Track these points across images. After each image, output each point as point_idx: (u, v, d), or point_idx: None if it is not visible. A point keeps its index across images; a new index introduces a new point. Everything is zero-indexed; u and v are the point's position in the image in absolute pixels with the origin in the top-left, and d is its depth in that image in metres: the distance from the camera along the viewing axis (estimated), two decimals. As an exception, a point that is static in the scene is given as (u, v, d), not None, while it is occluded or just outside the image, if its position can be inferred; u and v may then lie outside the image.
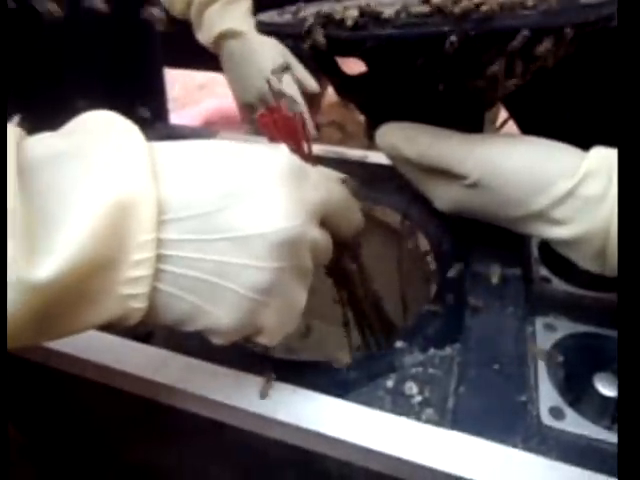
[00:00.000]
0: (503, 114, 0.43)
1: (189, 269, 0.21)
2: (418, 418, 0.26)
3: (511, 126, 0.42)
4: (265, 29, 0.30)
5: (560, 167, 0.27)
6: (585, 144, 0.29)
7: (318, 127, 1.07)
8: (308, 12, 0.27)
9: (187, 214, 0.21)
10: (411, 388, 0.28)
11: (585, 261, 0.29)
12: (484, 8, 0.22)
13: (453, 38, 0.23)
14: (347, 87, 0.33)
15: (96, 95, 0.49)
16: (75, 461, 0.43)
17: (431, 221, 0.40)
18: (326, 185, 0.25)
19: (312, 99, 1.07)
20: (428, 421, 0.26)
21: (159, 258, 0.20)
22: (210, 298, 0.21)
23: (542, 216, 0.28)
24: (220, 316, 0.22)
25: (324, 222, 0.25)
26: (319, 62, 0.33)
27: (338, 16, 0.25)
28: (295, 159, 0.24)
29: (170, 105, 0.73)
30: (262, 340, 0.24)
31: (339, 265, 0.32)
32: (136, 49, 0.55)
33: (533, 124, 0.33)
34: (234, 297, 0.22)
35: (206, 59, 0.59)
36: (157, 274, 0.20)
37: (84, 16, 0.47)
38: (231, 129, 0.74)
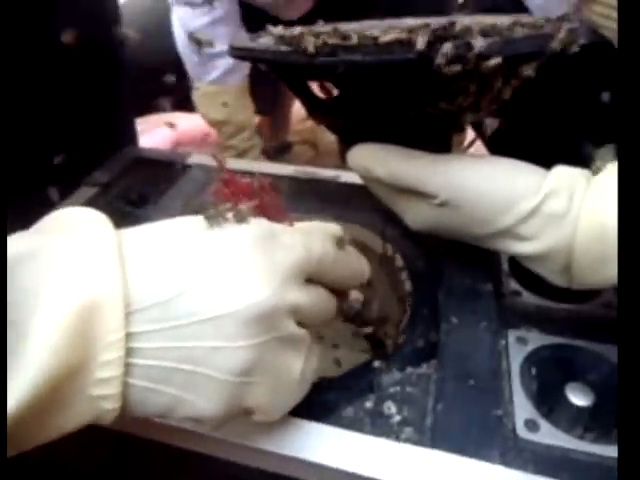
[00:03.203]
0: (470, 134, 0.44)
1: (160, 360, 0.20)
2: (397, 438, 0.26)
3: (478, 145, 0.43)
4: (237, 54, 0.30)
5: (524, 186, 0.28)
6: (547, 163, 0.30)
7: (290, 146, 1.08)
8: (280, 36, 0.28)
9: (150, 303, 0.20)
10: (390, 408, 0.28)
11: (551, 275, 0.30)
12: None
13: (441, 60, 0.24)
14: (319, 110, 0.34)
15: (62, 116, 0.48)
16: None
17: (404, 239, 0.40)
18: (303, 241, 0.23)
19: (280, 118, 1.08)
20: (407, 440, 0.26)
21: (128, 352, 0.19)
22: (187, 387, 0.20)
23: (509, 233, 0.29)
24: (201, 405, 0.21)
25: (314, 279, 0.24)
26: (291, 85, 0.34)
27: (302, 42, 0.25)
28: (261, 224, 0.23)
29: (141, 127, 0.72)
30: (260, 419, 0.23)
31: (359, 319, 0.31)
32: (102, 72, 0.55)
33: (499, 143, 0.35)
34: (212, 383, 0.20)
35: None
36: (128, 370, 0.19)
37: (49, 42, 0.46)
38: (202, 150, 0.74)
